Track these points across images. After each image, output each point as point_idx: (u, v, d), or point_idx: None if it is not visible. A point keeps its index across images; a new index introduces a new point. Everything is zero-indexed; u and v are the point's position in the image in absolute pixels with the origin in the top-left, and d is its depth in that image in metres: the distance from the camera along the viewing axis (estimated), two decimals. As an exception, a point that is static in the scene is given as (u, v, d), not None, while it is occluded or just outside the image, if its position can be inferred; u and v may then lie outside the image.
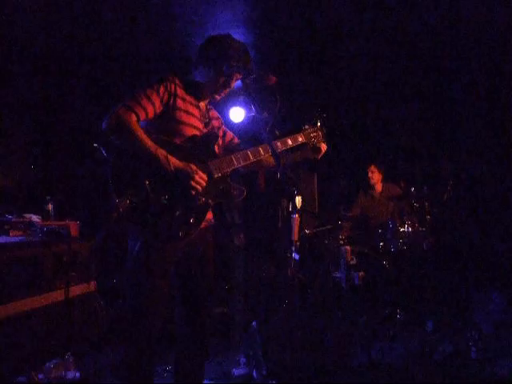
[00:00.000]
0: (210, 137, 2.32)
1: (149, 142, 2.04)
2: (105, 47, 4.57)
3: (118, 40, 4.46)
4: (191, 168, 2.09)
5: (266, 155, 2.38)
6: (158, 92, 2.13)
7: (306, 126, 2.59)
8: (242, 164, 2.32)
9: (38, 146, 5.03)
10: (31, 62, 4.67)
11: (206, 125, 2.37)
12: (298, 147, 2.58)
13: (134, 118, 2.05)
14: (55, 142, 5.10)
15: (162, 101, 2.15)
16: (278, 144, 2.43)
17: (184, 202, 2.11)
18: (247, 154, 2.34)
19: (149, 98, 2.10)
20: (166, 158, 2.04)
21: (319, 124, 2.62)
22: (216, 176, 2.23)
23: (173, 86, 2.19)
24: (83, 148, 4.71)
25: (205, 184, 2.13)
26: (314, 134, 2.59)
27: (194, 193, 2.11)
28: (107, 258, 3.56)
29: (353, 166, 6.15)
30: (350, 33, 4.43)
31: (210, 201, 2.21)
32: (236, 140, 2.59)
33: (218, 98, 2.39)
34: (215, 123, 2.47)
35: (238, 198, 2.32)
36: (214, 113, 2.52)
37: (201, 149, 2.23)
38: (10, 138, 4.77)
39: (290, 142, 2.50)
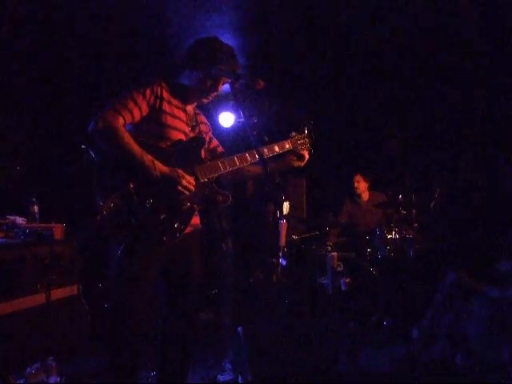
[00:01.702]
0: (197, 141, 2.31)
1: (135, 147, 2.03)
2: (93, 52, 4.54)
3: (107, 43, 4.43)
4: (178, 173, 2.08)
5: (252, 163, 2.37)
6: (144, 95, 2.12)
7: (294, 133, 2.58)
8: (229, 169, 2.31)
9: (25, 146, 4.98)
10: (20, 63, 4.62)
11: (193, 128, 2.36)
12: (284, 155, 2.56)
13: (120, 121, 2.04)
14: (42, 143, 5.06)
15: (148, 104, 2.14)
16: (265, 150, 2.42)
17: (169, 206, 2.10)
18: (234, 159, 2.33)
19: (135, 102, 2.10)
20: (153, 162, 2.03)
21: (306, 131, 2.61)
22: (202, 181, 2.22)
23: (159, 89, 2.18)
24: (71, 150, 4.67)
25: (192, 188, 2.12)
26: (301, 141, 2.59)
27: (180, 197, 2.09)
28: (90, 260, 3.53)
29: (341, 173, 6.16)
30: (341, 36, 4.44)
31: (194, 206, 2.20)
32: (220, 149, 2.58)
33: (205, 101, 2.38)
34: (203, 128, 2.46)
35: (223, 204, 2.30)
36: (202, 118, 2.51)
37: (187, 153, 2.22)
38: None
39: (276, 148, 2.49)
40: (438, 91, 5.44)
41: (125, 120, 2.06)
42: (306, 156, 2.59)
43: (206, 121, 2.55)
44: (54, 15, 3.89)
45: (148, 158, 2.03)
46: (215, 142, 2.58)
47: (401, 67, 5.04)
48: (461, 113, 5.60)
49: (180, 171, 2.10)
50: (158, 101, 2.17)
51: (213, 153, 2.53)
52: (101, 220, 2.06)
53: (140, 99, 2.11)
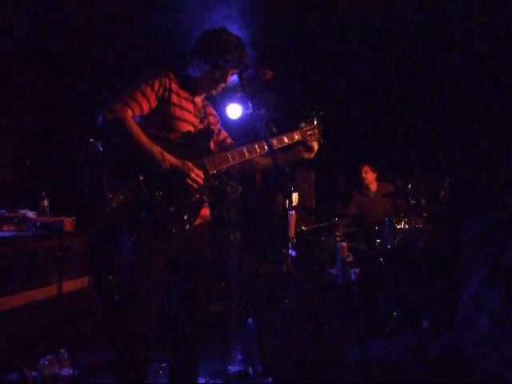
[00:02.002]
0: (206, 133, 2.30)
1: (144, 139, 2.02)
2: (100, 44, 4.54)
3: (114, 36, 4.43)
4: (187, 165, 2.08)
5: (261, 154, 2.36)
6: (152, 87, 2.12)
7: (303, 124, 2.55)
8: (238, 161, 2.30)
9: (34, 140, 5.01)
10: (27, 60, 4.63)
11: (202, 120, 2.35)
12: (293, 146, 2.54)
13: (129, 113, 2.04)
14: (51, 137, 5.08)
15: (156, 96, 2.14)
16: (274, 141, 2.40)
17: (178, 198, 2.09)
18: (243, 150, 2.32)
19: (144, 94, 2.09)
20: (162, 154, 2.03)
21: (316, 122, 2.57)
22: (211, 173, 2.22)
23: (167, 81, 2.18)
24: (80, 143, 4.68)
25: (201, 182, 2.12)
26: (311, 132, 2.55)
27: (190, 190, 2.09)
28: (101, 253, 3.54)
29: (350, 164, 6.14)
30: (350, 28, 4.40)
31: (204, 197, 2.20)
32: (229, 140, 2.57)
33: (214, 92, 2.37)
34: (212, 119, 2.46)
35: (232, 195, 2.29)
36: (210, 109, 2.50)
37: (196, 145, 2.22)
38: (6, 134, 4.74)
39: (285, 139, 2.46)
40: (449, 82, 5.39)
41: (133, 112, 2.06)
42: (316, 147, 2.55)
43: (214, 112, 2.53)
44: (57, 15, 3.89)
45: (157, 149, 2.03)
46: (224, 134, 2.57)
47: (410, 59, 5.00)
48: (470, 101, 5.55)
49: (189, 164, 2.09)
50: (167, 93, 2.17)
51: (222, 144, 2.53)
52: (110, 212, 2.07)
53: (149, 91, 2.11)
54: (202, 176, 2.14)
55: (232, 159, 2.28)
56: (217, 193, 2.27)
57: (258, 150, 2.34)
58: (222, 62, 2.19)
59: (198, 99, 2.37)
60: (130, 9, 3.99)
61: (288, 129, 2.52)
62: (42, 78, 4.90)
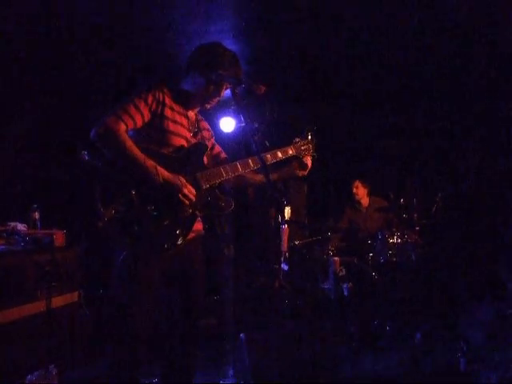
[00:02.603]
0: (199, 147, 2.29)
1: (137, 152, 2.02)
2: (91, 58, 4.55)
3: (104, 51, 4.44)
4: (180, 180, 2.07)
5: (255, 169, 2.34)
6: (146, 101, 2.12)
7: (297, 139, 2.53)
8: (231, 175, 2.29)
9: (27, 153, 4.98)
10: (20, 69, 4.63)
11: (195, 134, 2.34)
12: (285, 163, 2.52)
13: (122, 127, 2.03)
14: (43, 150, 5.06)
15: (150, 110, 2.13)
16: (268, 156, 2.38)
17: (171, 213, 2.08)
18: (236, 165, 2.31)
19: (137, 107, 2.09)
20: (155, 168, 2.02)
21: (310, 137, 2.56)
22: (204, 187, 2.20)
23: (161, 95, 2.17)
24: (72, 156, 4.66)
25: (193, 198, 2.11)
26: (305, 146, 2.53)
27: (182, 205, 2.08)
28: (92, 267, 3.51)
29: (342, 178, 6.17)
30: (344, 39, 4.43)
31: (197, 212, 2.18)
32: (223, 155, 2.55)
33: (207, 106, 2.37)
34: (205, 134, 2.45)
35: (225, 210, 2.27)
36: (204, 124, 2.50)
37: (189, 159, 2.21)
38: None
39: (279, 154, 2.44)
40: (440, 93, 5.44)
41: (127, 126, 2.06)
42: (309, 163, 2.54)
43: (208, 127, 2.53)
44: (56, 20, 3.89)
45: (151, 163, 2.03)
46: (218, 148, 2.56)
47: (402, 69, 5.04)
48: (462, 114, 5.61)
49: (182, 179, 2.08)
50: (160, 106, 2.16)
51: (215, 159, 2.52)
52: (102, 227, 2.05)
53: (142, 105, 2.10)
54: (194, 192, 2.12)
55: (225, 174, 2.27)
56: (210, 208, 2.26)
57: (252, 165, 2.34)
58: (214, 76, 2.19)
59: (191, 113, 2.37)
60: (123, 24, 4.00)
61: (281, 143, 2.51)
62: (35, 90, 4.89)
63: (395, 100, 5.63)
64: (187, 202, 2.09)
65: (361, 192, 5.30)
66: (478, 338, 3.66)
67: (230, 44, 2.37)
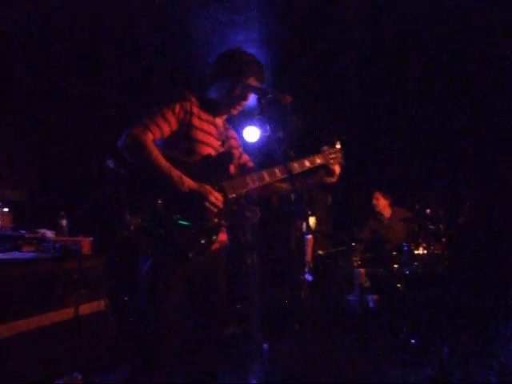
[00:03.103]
0: (226, 156, 2.28)
1: (163, 162, 2.03)
2: (116, 67, 4.62)
3: (131, 61, 4.51)
4: (206, 189, 2.07)
5: (280, 178, 2.32)
6: (173, 111, 2.14)
7: (325, 148, 2.49)
8: (257, 185, 2.27)
9: (53, 159, 5.08)
10: (43, 79, 4.73)
11: (223, 143, 2.34)
12: (314, 170, 2.48)
13: (149, 136, 2.06)
14: (71, 156, 5.15)
15: (177, 119, 2.15)
16: (295, 165, 2.35)
17: (196, 222, 2.08)
18: (263, 175, 2.29)
19: (165, 117, 2.11)
20: (181, 178, 2.03)
21: (338, 145, 2.52)
22: (230, 197, 2.19)
23: (188, 105, 2.19)
24: (99, 164, 4.74)
25: (220, 205, 2.10)
26: (333, 155, 2.47)
27: (208, 214, 2.08)
28: (119, 275, 3.54)
29: (367, 188, 6.12)
30: (366, 50, 4.42)
31: (222, 222, 2.18)
32: (250, 164, 2.54)
33: (234, 112, 2.36)
34: (233, 143, 2.45)
35: (252, 220, 2.24)
36: (232, 132, 2.50)
37: (215, 169, 2.21)
38: (25, 153, 4.83)
39: (307, 163, 2.41)
40: (464, 104, 5.36)
41: (154, 135, 2.08)
42: (338, 171, 2.49)
43: (235, 135, 2.53)
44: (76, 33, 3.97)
45: (176, 173, 2.04)
46: (245, 157, 2.55)
47: (423, 80, 4.99)
48: (490, 124, 5.51)
49: (208, 187, 2.08)
50: (188, 116, 2.18)
51: (243, 168, 2.51)
52: (128, 235, 2.08)
53: (170, 115, 2.13)
54: (221, 199, 2.11)
55: (252, 183, 2.25)
56: (236, 217, 2.23)
57: (279, 175, 2.31)
58: (241, 86, 2.20)
59: (219, 121, 2.37)
60: (148, 33, 4.07)
61: (306, 153, 2.48)
62: (59, 97, 4.98)
63: (418, 107, 5.56)
64: (214, 209, 2.08)
65: (381, 203, 5.26)
66: (507, 355, 3.56)
67: (255, 53, 2.37)
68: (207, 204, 2.06)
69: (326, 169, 2.48)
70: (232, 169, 2.32)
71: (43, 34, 4.05)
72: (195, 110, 2.21)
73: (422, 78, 4.85)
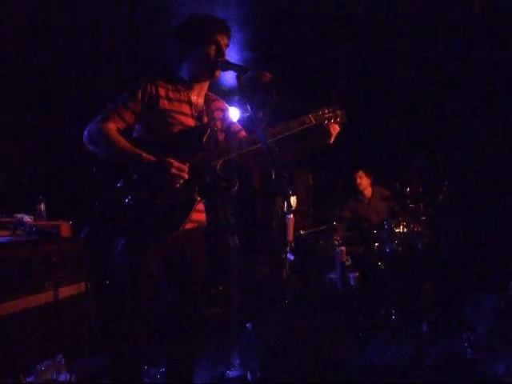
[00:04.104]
0: (199, 130, 2.21)
1: (122, 144, 2.05)
2: (100, 52, 4.53)
3: (111, 44, 4.42)
4: (166, 161, 2.00)
5: (258, 145, 2.18)
6: (135, 97, 2.13)
7: (321, 109, 2.31)
8: (232, 153, 2.17)
9: (31, 143, 4.99)
10: (26, 65, 4.62)
11: (200, 119, 2.28)
12: (307, 133, 2.31)
13: (110, 126, 2.08)
14: (49, 141, 5.06)
15: (140, 105, 2.14)
16: (279, 129, 2.21)
17: (166, 197, 2.05)
18: (238, 143, 2.21)
19: (126, 105, 2.12)
20: (140, 156, 2.02)
21: (335, 105, 2.34)
22: (202, 168, 2.12)
23: (153, 88, 2.16)
24: (77, 147, 4.66)
25: (185, 175, 2.03)
26: (329, 115, 2.31)
27: (173, 186, 2.02)
28: (96, 257, 3.51)
29: (347, 167, 6.14)
30: (354, 27, 4.38)
31: (195, 195, 2.11)
32: (243, 133, 2.42)
33: (217, 74, 2.24)
34: (217, 115, 2.37)
35: (228, 191, 2.15)
36: (218, 104, 2.42)
37: (188, 144, 2.15)
38: (2, 137, 4.72)
39: (295, 124, 2.23)
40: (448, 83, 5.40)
41: (116, 124, 2.10)
42: (335, 131, 2.31)
43: (224, 106, 2.44)
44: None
45: (135, 152, 2.03)
46: (236, 127, 2.44)
47: (407, 55, 4.99)
48: (468, 101, 5.56)
49: (169, 159, 2.00)
50: (154, 99, 2.15)
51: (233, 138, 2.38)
52: (98, 217, 2.07)
53: (131, 102, 2.12)
54: (185, 169, 2.03)
55: (229, 152, 2.16)
56: (210, 189, 2.15)
57: (255, 143, 2.17)
58: (220, 63, 2.16)
59: (196, 97, 2.30)
60: (121, 15, 3.98)
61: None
62: (39, 80, 4.88)
63: (400, 85, 5.58)
64: (179, 180, 2.02)
65: (364, 182, 5.29)
66: (483, 328, 3.65)
67: (233, 32, 2.32)
68: (169, 176, 2.00)
69: (321, 129, 2.32)
70: (205, 141, 2.18)
71: (38, 26, 3.97)
72: (162, 92, 2.18)
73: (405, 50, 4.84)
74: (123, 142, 2.06)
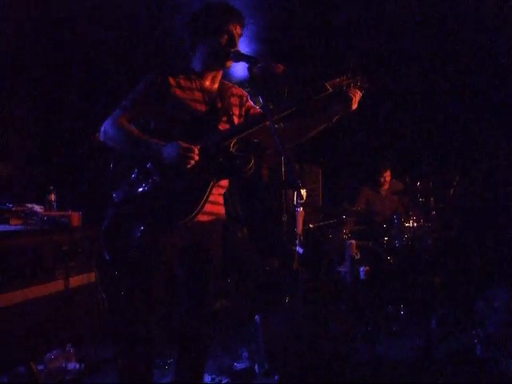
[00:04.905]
0: (211, 115, 2.19)
1: (134, 133, 2.07)
2: (107, 45, 4.53)
3: (120, 39, 4.42)
4: (175, 143, 1.97)
5: (265, 122, 2.12)
6: (145, 88, 2.14)
7: (338, 77, 2.18)
8: (245, 132, 2.13)
9: (41, 134, 5.01)
10: (35, 58, 4.64)
11: (213, 105, 2.24)
12: (328, 103, 2.21)
13: (122, 120, 2.10)
14: (58, 132, 5.08)
15: (151, 95, 2.14)
16: (294, 101, 2.14)
17: (180, 181, 2.04)
18: (247, 121, 2.24)
19: (136, 97, 2.14)
20: (149, 141, 2.04)
21: (355, 72, 2.21)
22: (215, 148, 2.09)
23: (162, 79, 2.15)
24: (87, 137, 4.67)
25: (195, 156, 1.98)
26: (348, 81, 2.18)
27: (185, 168, 1.99)
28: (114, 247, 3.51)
29: (358, 161, 6.11)
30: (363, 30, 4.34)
31: (209, 177, 2.08)
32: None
33: (228, 64, 2.21)
34: (233, 101, 2.34)
35: (243, 170, 2.08)
36: (234, 90, 2.38)
37: (200, 129, 2.14)
38: (13, 129, 4.75)
39: (310, 93, 2.14)
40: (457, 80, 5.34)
41: (129, 117, 2.12)
42: (357, 96, 2.19)
43: (240, 92, 2.39)
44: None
45: (144, 139, 2.05)
46: (255, 110, 2.39)
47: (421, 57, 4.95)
48: (480, 96, 5.50)
49: (180, 142, 1.98)
50: (164, 88, 2.14)
51: None
52: (115, 208, 2.08)
53: (144, 96, 2.14)
54: (196, 151, 1.99)
55: (237, 132, 2.13)
56: (224, 170, 2.11)
57: (263, 121, 2.12)
58: (232, 55, 2.13)
59: (208, 84, 2.27)
60: (132, 9, 3.96)
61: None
62: (48, 73, 4.90)
63: (409, 78, 5.53)
64: (190, 160, 1.97)
65: (388, 179, 5.30)
66: (494, 324, 3.62)
67: (246, 23, 2.30)
68: (179, 158, 1.96)
69: (341, 95, 2.20)
70: (220, 126, 2.19)
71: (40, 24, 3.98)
72: (172, 81, 2.16)
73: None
74: (136, 132, 2.08)
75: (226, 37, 2.15)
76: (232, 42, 2.16)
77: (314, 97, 2.14)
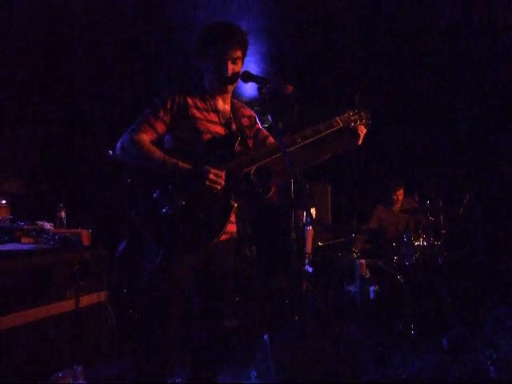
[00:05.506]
0: (229, 138, 2.21)
1: (156, 155, 2.06)
2: (121, 64, 4.59)
3: (134, 57, 4.48)
4: (203, 168, 2.00)
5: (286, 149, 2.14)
6: (164, 107, 2.15)
7: (346, 112, 2.31)
8: (262, 160, 2.15)
9: (51, 152, 5.06)
10: (45, 72, 4.70)
11: (228, 126, 2.27)
12: (335, 137, 2.31)
13: (143, 137, 2.09)
14: (69, 149, 5.13)
15: (171, 114, 2.15)
16: (308, 132, 2.19)
17: (203, 206, 2.05)
18: (266, 147, 2.22)
19: (156, 116, 2.14)
20: (176, 165, 2.03)
21: (360, 107, 2.33)
22: (236, 175, 2.11)
23: (181, 98, 2.18)
24: (98, 156, 4.72)
25: (222, 182, 2.02)
26: (355, 117, 2.30)
27: (212, 193, 2.02)
28: (124, 267, 3.52)
29: (367, 179, 6.10)
30: (367, 42, 4.38)
31: (232, 202, 2.11)
32: (270, 140, 2.41)
33: (231, 87, 2.25)
34: (245, 122, 2.37)
35: (265, 196, 2.13)
36: (245, 111, 2.42)
37: (219, 152, 2.15)
38: (23, 146, 4.81)
39: (322, 128, 2.22)
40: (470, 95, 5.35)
41: (148, 135, 2.11)
42: (363, 132, 2.32)
43: (250, 113, 2.43)
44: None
45: (171, 161, 2.04)
46: (264, 133, 2.44)
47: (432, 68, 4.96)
48: (492, 114, 5.50)
49: (206, 166, 2.01)
50: (183, 108, 2.16)
51: (261, 145, 2.40)
52: (135, 228, 2.09)
53: (161, 112, 2.14)
54: (222, 176, 2.02)
55: (259, 159, 2.14)
56: (246, 195, 2.14)
57: (288, 147, 2.13)
58: (241, 76, 2.15)
59: (221, 104, 2.30)
60: (146, 26, 4.03)
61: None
62: (58, 90, 4.96)
63: (415, 100, 5.54)
64: (217, 186, 2.02)
65: (401, 197, 5.29)
66: (507, 345, 3.56)
67: (254, 43, 2.33)
68: (207, 182, 1.99)
69: (348, 132, 2.32)
70: (238, 149, 2.19)
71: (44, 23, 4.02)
72: (190, 101, 2.19)
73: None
74: (158, 152, 2.08)
75: (215, 62, 2.16)
76: (222, 67, 2.16)
77: (327, 131, 2.23)
